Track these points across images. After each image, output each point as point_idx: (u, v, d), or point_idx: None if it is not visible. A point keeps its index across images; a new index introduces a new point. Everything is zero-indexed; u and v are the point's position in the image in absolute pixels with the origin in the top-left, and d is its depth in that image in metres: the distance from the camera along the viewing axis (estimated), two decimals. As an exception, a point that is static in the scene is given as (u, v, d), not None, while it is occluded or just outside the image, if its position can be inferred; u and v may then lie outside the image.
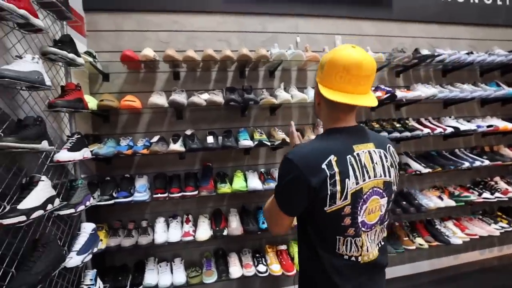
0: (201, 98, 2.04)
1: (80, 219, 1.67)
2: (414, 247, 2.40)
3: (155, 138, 2.03)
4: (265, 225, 2.06)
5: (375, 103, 0.87)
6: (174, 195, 1.95)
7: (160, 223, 2.03)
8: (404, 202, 2.46)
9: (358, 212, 0.84)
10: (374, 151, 0.89)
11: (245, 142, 2.03)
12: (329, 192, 0.80)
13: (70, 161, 1.47)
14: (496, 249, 3.01)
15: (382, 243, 0.95)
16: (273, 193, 0.92)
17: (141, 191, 1.91)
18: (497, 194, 2.61)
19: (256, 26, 2.39)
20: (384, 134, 2.30)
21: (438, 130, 2.45)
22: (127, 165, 2.13)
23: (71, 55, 1.54)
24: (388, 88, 2.38)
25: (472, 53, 2.63)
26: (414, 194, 2.57)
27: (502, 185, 2.74)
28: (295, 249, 2.21)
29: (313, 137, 2.17)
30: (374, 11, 2.63)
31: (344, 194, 0.82)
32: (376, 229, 0.90)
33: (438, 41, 2.81)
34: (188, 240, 1.93)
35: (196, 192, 1.99)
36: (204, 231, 1.99)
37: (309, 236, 0.89)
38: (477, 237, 2.54)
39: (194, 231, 2.02)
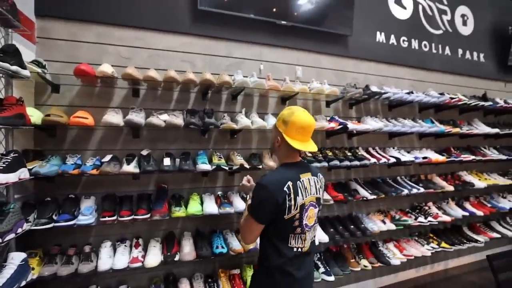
0: (160, 119, 1.98)
1: (8, 247, 1.47)
2: (359, 268, 2.53)
3: (107, 157, 1.91)
4: (219, 250, 2.02)
5: (315, 149, 1.32)
6: (124, 219, 1.82)
7: (105, 248, 1.87)
8: (352, 226, 2.60)
9: (303, 217, 1.27)
10: (310, 178, 1.32)
11: (203, 166, 2.00)
12: (287, 205, 1.22)
13: (2, 184, 1.30)
14: (429, 267, 3.32)
15: (314, 238, 1.39)
16: (246, 212, 1.28)
17: (87, 214, 1.76)
18: (429, 218, 2.90)
19: (222, 50, 2.41)
20: (316, 165, 2.43)
21: (383, 160, 2.67)
22: (72, 184, 1.95)
23: (14, 68, 1.39)
24: (341, 120, 2.55)
25: (412, 92, 2.95)
26: (361, 218, 2.73)
27: (434, 210, 3.06)
28: (248, 273, 2.19)
29: (271, 162, 2.23)
30: (332, 47, 2.83)
31: (296, 206, 1.24)
32: (312, 229, 1.33)
33: (385, 79, 3.10)
34: (136, 267, 1.80)
35: (148, 216, 1.88)
36: (154, 257, 1.88)
37: (271, 236, 1.27)
38: (412, 257, 2.78)
39: (144, 256, 1.90)
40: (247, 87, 2.19)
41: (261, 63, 2.53)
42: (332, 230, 2.52)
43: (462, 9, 3.67)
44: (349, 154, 2.62)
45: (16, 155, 1.44)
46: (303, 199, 1.25)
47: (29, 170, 1.57)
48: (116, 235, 2.00)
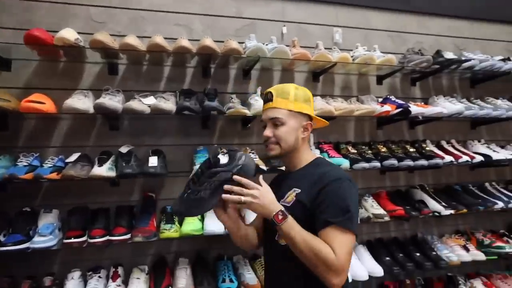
0: (144, 104, 1.84)
1: None
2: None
3: (74, 157, 1.79)
4: (226, 285, 1.85)
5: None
6: (96, 240, 1.70)
7: (73, 280, 1.76)
8: (418, 254, 2.33)
9: None
10: None
11: (202, 166, 1.83)
12: None
13: None
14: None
15: None
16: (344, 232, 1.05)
17: (46, 234, 1.65)
18: (538, 245, 2.53)
19: (229, 9, 2.28)
20: (363, 165, 2.15)
21: (464, 158, 2.42)
22: (29, 193, 1.87)
23: None
24: (399, 101, 2.33)
25: (509, 59, 2.64)
26: (431, 243, 2.48)
27: (544, 232, 2.69)
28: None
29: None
30: (386, -1, 2.58)
31: None
32: None
33: (466, 41, 2.85)
34: (111, 307, 1.67)
35: (127, 236, 1.75)
36: (137, 293, 1.75)
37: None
38: (511, 302, 2.44)
39: (124, 291, 1.78)
40: (264, 57, 2.00)
41: (284, 25, 2.34)
42: (388, 258, 2.28)
43: None
44: (411, 150, 2.39)
45: None
46: None
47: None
48: (87, 262, 1.90)
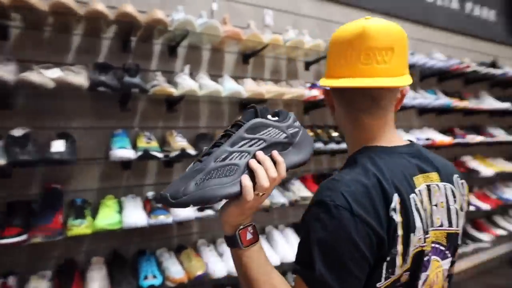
0: (45, 76, 1.46)
1: None
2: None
3: None
4: (149, 282, 1.62)
5: (404, 82, 0.70)
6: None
7: None
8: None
9: (418, 282, 0.68)
10: (438, 185, 0.72)
11: (120, 152, 1.56)
12: (392, 251, 0.63)
13: None
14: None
15: None
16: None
17: None
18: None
19: None
20: (320, 144, 2.15)
21: None
22: None
23: None
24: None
25: (413, 54, 2.75)
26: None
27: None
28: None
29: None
30: (314, -14, 2.49)
31: (406, 254, 0.65)
32: None
33: None
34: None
35: (23, 238, 1.39)
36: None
37: None
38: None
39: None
40: (193, 32, 1.76)
41: (214, 1, 2.09)
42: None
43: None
44: (334, 134, 2.38)
45: None
46: (423, 237, 0.67)
47: None
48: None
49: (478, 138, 3.14)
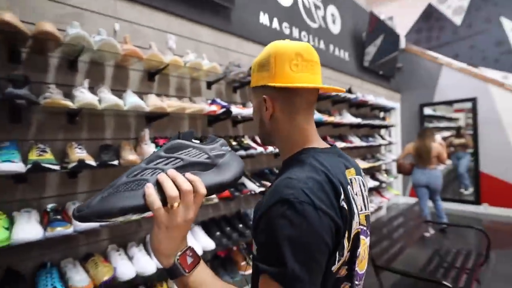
0: None
1: None
2: (250, 271, 2.35)
3: None
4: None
5: (343, 90, 0.76)
6: None
7: None
8: (241, 225, 2.41)
9: (355, 260, 0.69)
10: (355, 178, 0.75)
11: (4, 165, 1.27)
12: (342, 238, 0.64)
13: None
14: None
15: None
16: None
17: None
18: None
19: None
20: None
21: (270, 148, 2.57)
22: None
23: None
24: (224, 103, 2.29)
25: None
26: (251, 215, 2.57)
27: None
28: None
29: (132, 157, 1.69)
30: (213, 18, 2.52)
31: (349, 237, 0.66)
32: (362, 281, 0.76)
33: None
34: None
35: None
36: None
37: None
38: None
39: None
40: (89, 49, 1.57)
41: (117, 22, 1.93)
42: (218, 233, 2.26)
43: (332, 9, 4.13)
44: (234, 143, 2.41)
45: None
46: (358, 221, 0.69)
47: None
48: None
49: (343, 144, 3.58)
